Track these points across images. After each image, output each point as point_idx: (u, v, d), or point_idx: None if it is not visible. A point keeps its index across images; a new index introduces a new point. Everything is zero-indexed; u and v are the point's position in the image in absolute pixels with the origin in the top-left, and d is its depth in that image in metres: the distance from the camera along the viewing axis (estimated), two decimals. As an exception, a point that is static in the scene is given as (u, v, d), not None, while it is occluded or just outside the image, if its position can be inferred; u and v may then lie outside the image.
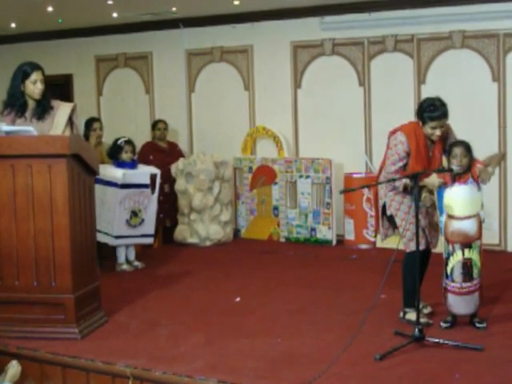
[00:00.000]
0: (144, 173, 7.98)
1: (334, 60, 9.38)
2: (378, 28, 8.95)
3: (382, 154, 6.06)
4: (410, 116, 6.03)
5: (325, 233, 9.16)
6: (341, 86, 9.34)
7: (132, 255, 8.14)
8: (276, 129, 9.71)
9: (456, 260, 5.49)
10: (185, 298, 6.85)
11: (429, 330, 5.51)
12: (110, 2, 8.71)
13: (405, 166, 5.72)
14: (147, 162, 8.81)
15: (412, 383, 4.66)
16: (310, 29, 9.40)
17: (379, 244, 8.75)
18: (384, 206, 5.93)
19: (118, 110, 10.92)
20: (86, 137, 8.36)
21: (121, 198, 7.72)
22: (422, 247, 5.63)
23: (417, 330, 5.25)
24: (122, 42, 10.73)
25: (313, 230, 9.26)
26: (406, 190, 5.70)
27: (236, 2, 8.90)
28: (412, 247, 5.73)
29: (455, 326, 5.65)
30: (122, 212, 7.77)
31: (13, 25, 10.29)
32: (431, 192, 5.78)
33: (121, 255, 8.04)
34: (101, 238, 7.52)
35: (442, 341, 5.24)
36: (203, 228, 9.26)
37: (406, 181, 5.60)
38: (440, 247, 5.77)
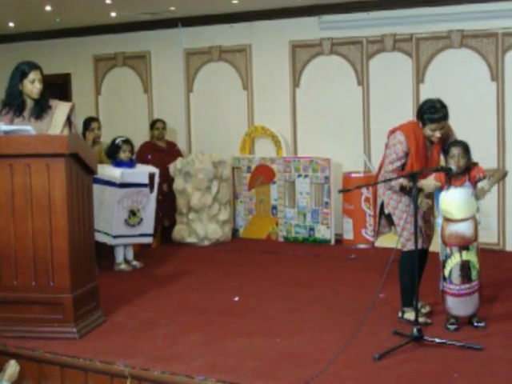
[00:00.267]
0: (142, 172, 7.98)
1: (332, 59, 9.38)
2: (376, 27, 8.95)
3: (380, 153, 6.06)
4: (408, 115, 6.04)
5: (323, 232, 9.16)
6: (339, 86, 9.34)
7: (130, 255, 8.14)
8: (274, 128, 9.71)
9: (454, 262, 5.49)
10: (183, 298, 6.84)
11: (427, 329, 5.51)
12: (109, 2, 8.70)
13: (403, 165, 5.71)
14: (145, 162, 8.82)
15: (411, 383, 4.65)
16: (308, 28, 9.40)
17: (378, 243, 8.74)
18: (382, 205, 5.93)
19: (117, 110, 10.92)
20: (84, 136, 8.35)
21: (119, 197, 7.71)
22: (419, 247, 5.61)
23: (415, 329, 5.24)
24: (120, 41, 10.73)
25: (311, 229, 9.25)
26: (403, 190, 5.70)
27: (234, 2, 8.90)
28: (409, 246, 5.74)
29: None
30: (120, 211, 7.76)
31: (11, 24, 10.29)
32: (428, 196, 5.77)
33: (119, 255, 8.03)
34: (99, 237, 7.51)
35: (440, 340, 5.24)
36: (201, 227, 9.25)
37: (402, 181, 5.60)
38: (437, 247, 5.76)
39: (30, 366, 5.32)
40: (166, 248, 9.19)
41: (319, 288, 7.07)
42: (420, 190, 5.63)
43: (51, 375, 5.27)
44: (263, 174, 9.65)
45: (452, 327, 5.58)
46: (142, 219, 7.94)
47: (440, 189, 5.59)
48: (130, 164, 7.93)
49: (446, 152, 5.65)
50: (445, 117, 5.61)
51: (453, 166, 5.52)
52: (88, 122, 8.56)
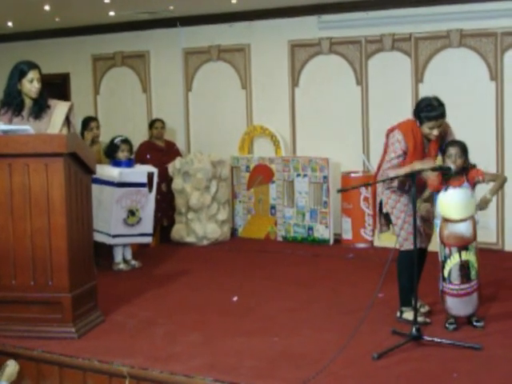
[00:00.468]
0: (141, 172, 7.97)
1: (331, 59, 9.37)
2: (375, 27, 8.95)
3: (379, 152, 6.05)
4: (407, 115, 6.01)
5: (322, 232, 9.16)
6: (338, 85, 9.34)
7: (129, 254, 8.13)
8: (273, 128, 9.71)
9: (453, 262, 5.48)
10: (182, 298, 6.84)
11: (426, 328, 5.51)
12: (107, 1, 8.70)
13: (402, 162, 5.69)
14: (144, 161, 8.82)
15: (410, 382, 4.65)
16: (307, 27, 9.40)
17: (376, 243, 8.74)
18: (381, 203, 5.92)
19: (115, 109, 10.92)
20: (83, 136, 8.35)
21: (117, 196, 7.70)
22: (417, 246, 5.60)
23: (414, 328, 5.24)
24: (118, 40, 10.72)
25: (310, 229, 9.25)
26: (402, 188, 5.67)
27: (233, 1, 8.90)
28: (406, 246, 5.73)
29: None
30: (118, 211, 7.75)
31: (9, 24, 10.28)
32: (427, 200, 5.76)
33: (118, 254, 8.03)
34: (98, 237, 7.50)
35: (439, 340, 5.24)
36: (200, 227, 9.25)
37: (394, 174, 5.55)
38: (435, 247, 5.75)
39: (29, 365, 5.32)
40: (164, 248, 9.18)
41: (318, 287, 7.07)
42: (419, 191, 5.62)
43: (50, 375, 5.26)
44: (262, 174, 9.65)
45: (451, 327, 5.58)
46: (140, 219, 7.93)
47: (436, 193, 5.60)
48: (129, 163, 7.92)
49: (443, 151, 5.64)
50: (442, 114, 5.60)
51: (451, 165, 5.51)
52: (87, 122, 8.55)
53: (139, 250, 8.58)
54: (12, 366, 5.13)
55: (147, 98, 10.72)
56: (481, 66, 8.44)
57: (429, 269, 5.99)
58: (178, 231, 9.36)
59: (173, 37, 10.34)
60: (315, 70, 9.51)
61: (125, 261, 8.07)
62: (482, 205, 5.54)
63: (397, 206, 5.79)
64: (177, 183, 9.30)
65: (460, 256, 5.47)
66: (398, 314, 5.88)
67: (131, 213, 7.85)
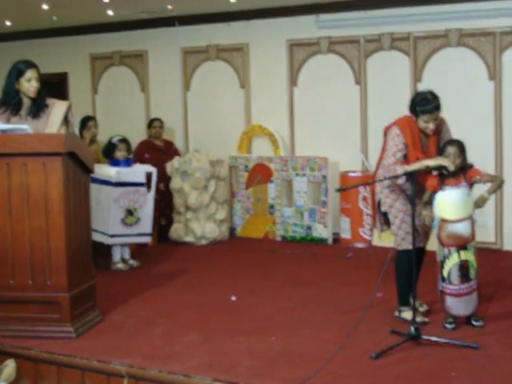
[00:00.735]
0: (139, 171, 7.96)
1: (330, 58, 9.38)
2: (374, 26, 8.96)
3: (378, 152, 6.05)
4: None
5: (321, 231, 9.16)
6: (337, 85, 9.34)
7: (127, 254, 8.13)
8: (272, 127, 9.70)
9: (453, 262, 5.48)
10: (180, 297, 6.83)
11: (425, 328, 5.51)
12: (106, 0, 8.70)
13: (404, 156, 5.66)
14: (143, 161, 8.81)
15: (408, 381, 4.65)
16: (305, 27, 9.40)
17: (375, 242, 8.75)
18: (379, 202, 5.92)
19: (114, 109, 10.91)
20: (82, 135, 8.34)
21: (115, 196, 7.70)
22: (412, 246, 5.58)
23: (413, 328, 5.24)
24: (117, 40, 10.72)
25: (309, 228, 9.25)
26: (410, 179, 5.50)
27: (232, 0, 8.90)
28: (404, 246, 5.73)
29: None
30: (116, 211, 7.75)
31: (7, 23, 10.28)
32: (427, 202, 5.74)
33: (116, 254, 8.02)
34: (96, 236, 7.50)
35: (438, 339, 5.24)
36: (199, 226, 9.25)
37: (402, 172, 5.51)
38: (433, 246, 5.75)
39: (27, 365, 5.30)
40: (163, 247, 9.18)
41: (316, 287, 7.06)
42: (418, 195, 5.59)
43: (48, 375, 5.25)
44: (260, 173, 9.65)
45: (450, 326, 5.58)
46: (139, 218, 7.92)
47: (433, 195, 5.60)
48: (127, 163, 7.91)
49: (441, 151, 5.63)
50: (437, 107, 5.60)
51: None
52: (85, 121, 8.55)
53: (137, 250, 8.57)
54: (10, 366, 5.12)
55: (145, 98, 10.71)
56: (479, 66, 8.44)
57: (427, 268, 5.99)
58: (177, 231, 9.36)
59: (171, 36, 10.34)
60: (314, 69, 9.51)
61: (123, 260, 8.07)
62: (479, 203, 5.55)
63: (395, 205, 5.79)
64: (175, 182, 9.30)
65: (459, 256, 5.46)
66: (397, 313, 5.88)
67: (129, 212, 7.84)
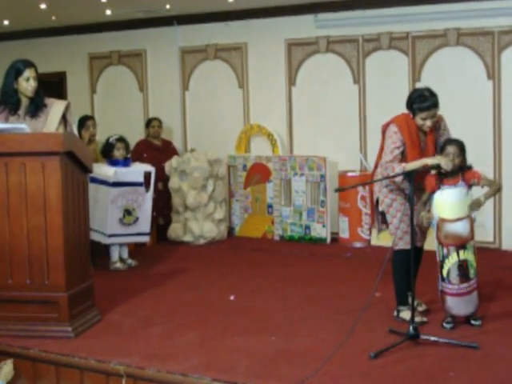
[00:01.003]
0: (137, 171, 7.95)
1: (328, 57, 9.37)
2: (372, 25, 8.95)
3: (376, 151, 6.04)
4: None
5: (319, 231, 9.15)
6: (335, 84, 9.34)
7: (125, 253, 8.12)
8: (270, 127, 9.70)
9: (452, 262, 5.47)
10: (179, 297, 6.83)
11: (423, 327, 5.50)
12: (104, 0, 8.68)
13: (402, 154, 5.65)
14: (141, 160, 8.79)
15: (407, 381, 4.64)
16: (304, 26, 9.39)
17: (374, 242, 8.74)
18: (377, 201, 5.91)
19: (112, 108, 10.91)
20: (80, 135, 8.33)
21: (112, 196, 7.68)
22: (409, 246, 5.57)
23: (411, 327, 5.23)
24: (115, 39, 10.71)
25: (307, 228, 9.25)
26: (408, 177, 5.48)
27: (230, 0, 8.88)
28: (401, 245, 5.72)
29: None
30: (114, 210, 7.74)
31: (6, 22, 10.26)
32: (426, 202, 5.74)
33: (114, 253, 8.01)
34: (94, 236, 7.50)
35: (436, 339, 5.23)
36: (197, 226, 9.24)
37: (400, 170, 5.51)
38: (432, 245, 5.74)
39: (25, 364, 5.29)
40: (161, 247, 9.17)
41: (315, 287, 7.06)
42: (417, 194, 5.58)
43: (46, 374, 5.25)
44: (259, 173, 9.64)
45: (448, 326, 5.57)
46: (137, 218, 7.91)
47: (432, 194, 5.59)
48: (125, 163, 7.90)
49: (440, 150, 5.62)
50: (434, 105, 5.59)
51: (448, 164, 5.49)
52: (83, 121, 8.53)
53: (136, 249, 8.57)
54: (9, 366, 5.11)
55: (144, 97, 10.71)
56: (478, 65, 8.44)
57: (426, 267, 5.99)
58: (175, 230, 9.35)
59: (169, 36, 10.33)
60: (312, 68, 9.50)
61: (121, 260, 8.06)
62: (474, 207, 5.50)
63: (393, 204, 5.78)
64: (173, 182, 9.29)
65: (458, 255, 5.46)
66: (395, 313, 5.87)
67: (127, 212, 7.83)
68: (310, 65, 9.52)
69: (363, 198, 8.85)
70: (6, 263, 5.56)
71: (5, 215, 5.53)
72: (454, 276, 5.48)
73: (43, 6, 8.93)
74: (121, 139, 8.00)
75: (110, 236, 7.79)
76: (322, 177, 9.08)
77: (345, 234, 9.09)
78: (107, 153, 7.96)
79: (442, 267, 5.53)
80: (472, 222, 5.52)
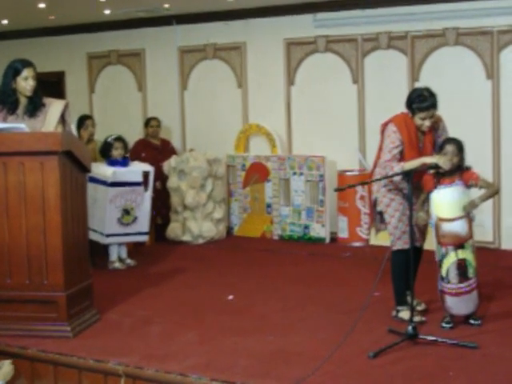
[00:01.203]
0: (135, 171, 7.94)
1: (327, 57, 9.36)
2: (371, 25, 8.95)
3: (375, 151, 6.03)
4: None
5: (318, 230, 9.15)
6: (334, 84, 9.33)
7: (124, 253, 8.11)
8: (269, 126, 9.70)
9: (450, 261, 5.46)
10: (177, 296, 6.82)
11: (422, 327, 5.50)
12: (103, -1, 8.70)
13: (400, 153, 5.65)
14: (140, 159, 8.79)
15: (405, 381, 4.64)
16: (303, 26, 9.38)
17: (373, 241, 8.74)
18: (376, 201, 5.91)
19: (111, 108, 10.90)
20: (79, 134, 8.32)
21: (111, 196, 7.68)
22: (408, 246, 5.56)
23: (410, 327, 5.23)
24: (114, 38, 10.71)
25: (306, 227, 9.24)
26: (407, 177, 5.48)
27: (229, -1, 8.90)
28: (399, 245, 5.72)
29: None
30: (112, 210, 7.73)
31: (4, 22, 10.25)
32: (424, 202, 5.73)
33: (113, 253, 8.01)
34: (93, 236, 7.49)
35: (435, 338, 5.23)
36: (196, 226, 9.23)
37: (399, 169, 5.50)
38: (431, 245, 5.74)
39: (24, 364, 5.29)
40: (160, 246, 9.17)
41: (314, 286, 7.06)
42: (415, 193, 5.57)
43: (45, 374, 5.24)
44: (258, 172, 9.64)
45: (447, 325, 5.57)
46: (136, 217, 7.90)
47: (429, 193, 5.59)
48: (124, 162, 7.89)
49: (439, 149, 5.61)
50: (433, 105, 5.58)
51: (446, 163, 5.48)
52: (82, 120, 8.53)
53: (134, 249, 8.56)
54: (8, 366, 5.10)
55: (143, 97, 10.70)
56: (477, 65, 8.44)
57: (425, 267, 5.98)
58: (174, 230, 9.34)
59: (168, 35, 10.33)
60: (311, 68, 9.50)
61: (120, 259, 8.06)
62: (468, 208, 5.46)
63: (391, 204, 5.77)
64: (172, 181, 9.28)
65: (457, 255, 5.45)
66: (394, 312, 5.87)
67: (126, 212, 7.83)
68: (308, 64, 9.52)
69: (362, 197, 8.85)
70: (4, 263, 5.56)
71: (3, 215, 5.53)
72: (453, 275, 5.47)
73: (42, 6, 8.92)
74: (119, 139, 7.99)
75: (108, 236, 7.79)
76: (321, 176, 9.08)
77: (344, 234, 9.08)
78: (105, 152, 7.96)
79: (440, 267, 5.52)
80: (470, 221, 5.51)
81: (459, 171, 5.53)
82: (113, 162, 7.85)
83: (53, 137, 5.52)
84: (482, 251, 6.36)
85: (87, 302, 5.94)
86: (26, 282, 5.56)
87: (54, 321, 5.57)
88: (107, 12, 9.62)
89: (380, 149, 5.83)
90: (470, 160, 5.65)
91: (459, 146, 5.53)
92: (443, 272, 5.51)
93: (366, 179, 6.95)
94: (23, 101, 5.87)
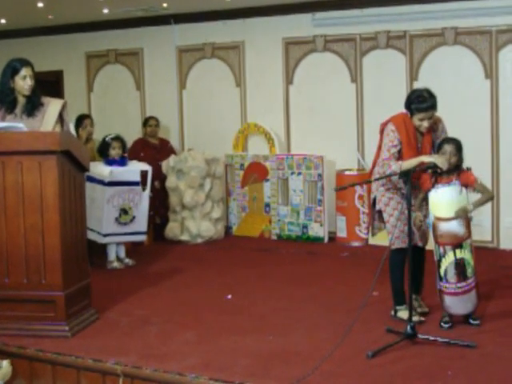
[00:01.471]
0: (133, 170, 7.93)
1: (325, 56, 9.36)
2: (370, 24, 8.94)
3: (374, 150, 6.03)
4: (402, 113, 6.00)
5: (317, 230, 9.14)
6: (333, 83, 9.33)
7: (122, 253, 8.11)
8: (267, 126, 9.69)
9: (448, 261, 5.46)
10: (176, 296, 6.82)
11: (421, 327, 5.49)
12: (101, -2, 8.69)
13: (399, 152, 5.64)
14: (138, 159, 8.78)
15: (404, 380, 4.64)
16: (301, 25, 9.38)
17: (371, 241, 8.73)
18: (375, 200, 5.90)
19: (109, 107, 10.89)
20: (78, 134, 8.32)
21: (108, 196, 7.67)
22: (405, 245, 5.56)
23: (409, 327, 5.22)
24: (112, 38, 10.70)
25: (305, 227, 9.24)
26: (404, 177, 5.47)
27: (227, -2, 8.89)
28: (397, 244, 5.71)
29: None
30: (110, 210, 7.72)
31: (2, 21, 10.25)
32: (422, 202, 5.73)
33: (111, 253, 8.00)
34: (91, 235, 7.46)
35: (434, 338, 5.22)
36: (194, 225, 9.23)
37: (396, 167, 5.49)
38: (430, 245, 5.74)
39: (22, 364, 5.28)
40: (158, 246, 9.16)
41: (312, 286, 7.05)
42: (414, 193, 5.57)
43: (43, 373, 5.23)
44: (256, 172, 9.63)
45: (446, 325, 5.56)
46: (134, 217, 7.90)
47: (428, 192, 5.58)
48: (122, 162, 7.88)
49: (437, 148, 5.61)
50: (433, 106, 5.58)
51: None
52: (81, 119, 8.53)
53: (133, 248, 8.56)
54: (6, 366, 5.10)
55: (141, 96, 10.69)
56: (476, 64, 8.44)
57: (425, 267, 5.98)
58: (172, 229, 9.34)
59: (167, 34, 10.32)
60: (310, 67, 9.49)
61: (118, 259, 8.05)
62: (460, 213, 5.43)
63: (390, 203, 5.77)
64: (171, 181, 9.28)
65: (455, 254, 5.44)
66: (393, 312, 5.87)
67: (124, 211, 7.82)
68: (307, 63, 9.51)
69: (361, 197, 8.85)
70: (2, 262, 5.55)
71: (2, 214, 5.53)
72: (452, 275, 5.47)
73: (40, 5, 8.92)
74: (117, 138, 7.99)
75: (106, 235, 7.78)
76: (320, 176, 9.07)
77: (342, 233, 9.08)
78: (103, 152, 7.95)
79: (439, 266, 5.52)
80: (468, 220, 5.50)
81: (457, 171, 5.53)
82: (110, 162, 7.84)
83: (51, 136, 5.51)
84: (480, 251, 6.37)
85: (85, 301, 5.93)
86: (24, 282, 5.55)
87: (52, 320, 5.56)
88: (105, 11, 9.61)
89: (379, 148, 5.83)
90: (468, 159, 5.64)
91: (457, 146, 5.53)
92: (441, 272, 5.50)
93: (364, 178, 6.96)
94: (21, 100, 5.86)
